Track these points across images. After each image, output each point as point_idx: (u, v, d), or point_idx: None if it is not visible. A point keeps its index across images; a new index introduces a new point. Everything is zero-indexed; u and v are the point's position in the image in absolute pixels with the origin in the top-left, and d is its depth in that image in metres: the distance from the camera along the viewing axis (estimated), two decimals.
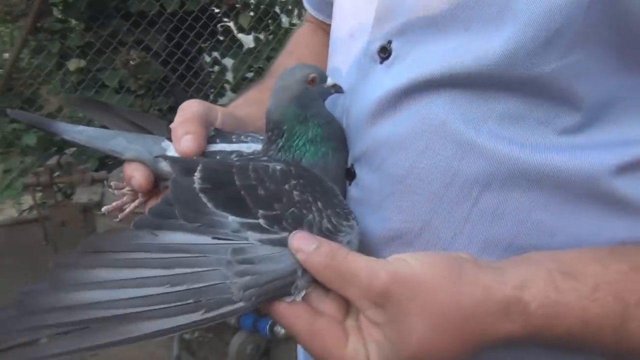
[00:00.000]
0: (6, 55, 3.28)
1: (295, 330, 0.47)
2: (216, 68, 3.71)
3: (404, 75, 0.55)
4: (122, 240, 0.48)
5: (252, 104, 0.74)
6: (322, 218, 0.51)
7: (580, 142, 0.51)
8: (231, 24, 3.60)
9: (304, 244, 0.48)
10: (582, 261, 0.48)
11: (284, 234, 0.49)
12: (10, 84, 3.10)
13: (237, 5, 3.48)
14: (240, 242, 0.49)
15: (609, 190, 0.50)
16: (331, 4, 0.72)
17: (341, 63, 0.66)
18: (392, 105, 0.56)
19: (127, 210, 0.64)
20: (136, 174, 0.60)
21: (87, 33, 3.15)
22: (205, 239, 0.49)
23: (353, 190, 0.61)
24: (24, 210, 3.44)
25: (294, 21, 3.70)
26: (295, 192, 0.52)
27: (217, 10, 3.52)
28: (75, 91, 3.08)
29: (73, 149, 3.00)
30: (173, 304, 0.45)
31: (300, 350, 0.83)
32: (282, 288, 0.47)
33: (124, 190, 0.64)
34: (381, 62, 0.58)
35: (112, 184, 0.65)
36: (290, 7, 3.74)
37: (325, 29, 0.85)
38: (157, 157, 0.59)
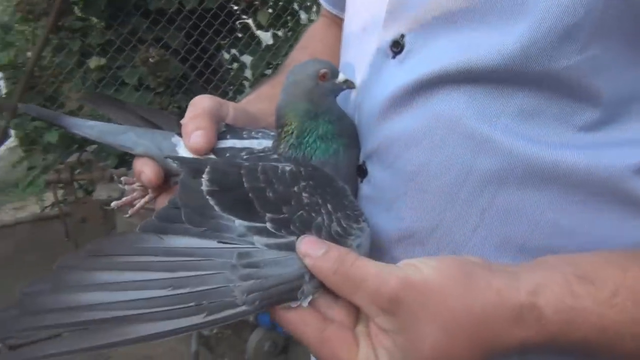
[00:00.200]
0: (29, 53, 3.33)
1: (305, 337, 0.46)
2: (235, 65, 3.73)
3: (417, 70, 0.54)
4: (127, 243, 0.48)
5: (265, 100, 0.73)
6: (331, 221, 0.50)
7: (598, 139, 0.49)
8: (250, 21, 3.62)
9: (312, 249, 0.47)
10: (599, 265, 0.46)
11: (292, 238, 0.48)
12: (33, 82, 3.16)
13: (255, 2, 3.50)
14: (246, 246, 0.48)
15: (629, 190, 0.49)
16: None
17: (353, 58, 0.64)
18: (405, 101, 0.55)
19: (138, 205, 0.63)
20: (146, 169, 0.60)
21: (107, 31, 3.20)
22: (211, 243, 0.48)
23: (364, 188, 0.60)
24: (46, 207, 3.51)
25: (313, 17, 3.70)
26: (304, 195, 0.51)
27: (235, 7, 3.53)
28: (96, 89, 3.12)
29: (94, 146, 3.05)
30: (175, 307, 0.44)
31: None
32: (287, 292, 0.46)
33: (134, 186, 0.64)
34: (394, 57, 0.57)
35: (122, 179, 0.65)
36: (308, 4, 3.74)
37: (339, 23, 0.84)
38: (166, 157, 0.59)
